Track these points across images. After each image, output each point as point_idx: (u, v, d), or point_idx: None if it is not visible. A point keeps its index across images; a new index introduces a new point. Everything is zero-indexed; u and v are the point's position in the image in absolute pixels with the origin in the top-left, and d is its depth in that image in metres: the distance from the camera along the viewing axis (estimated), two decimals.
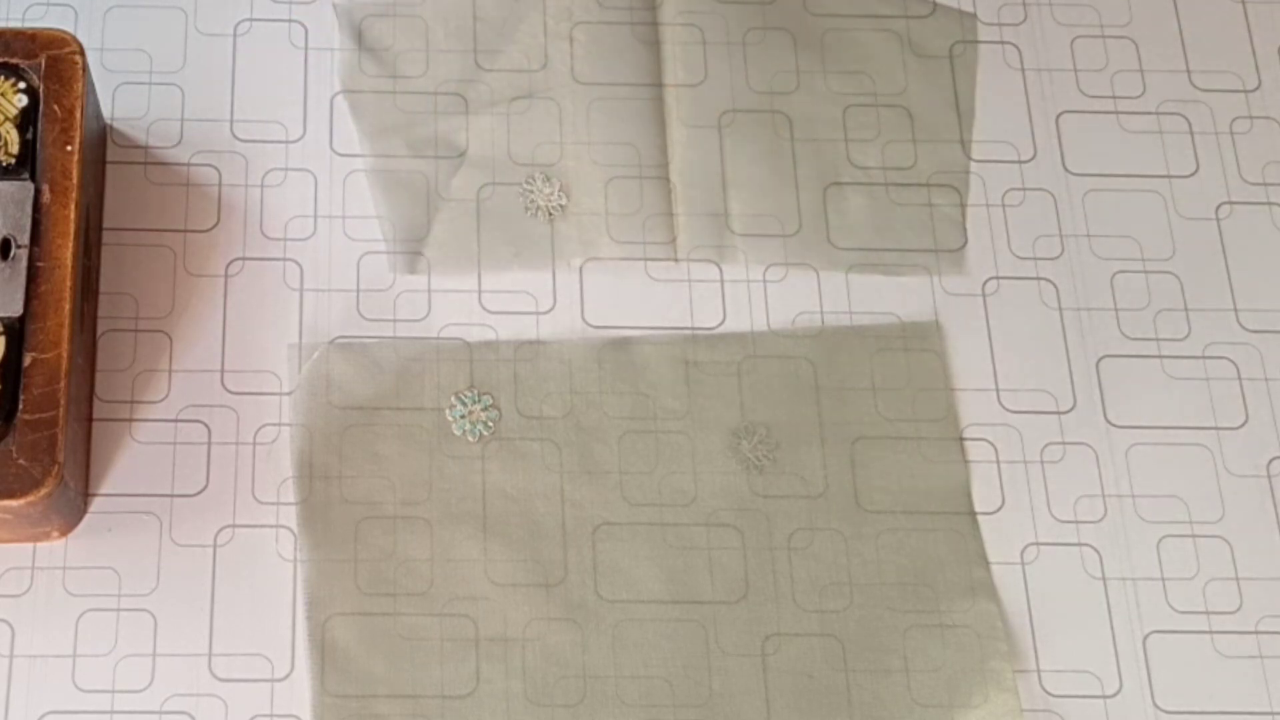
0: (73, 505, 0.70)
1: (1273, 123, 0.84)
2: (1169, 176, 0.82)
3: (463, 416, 0.73)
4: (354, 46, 0.81)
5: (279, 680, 0.70)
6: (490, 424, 0.73)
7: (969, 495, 0.75)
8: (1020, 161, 0.82)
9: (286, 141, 0.79)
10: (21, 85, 0.71)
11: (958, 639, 0.72)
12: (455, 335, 0.76)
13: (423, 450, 0.73)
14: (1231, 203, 0.82)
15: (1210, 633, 0.73)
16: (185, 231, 0.78)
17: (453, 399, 0.73)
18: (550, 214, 0.78)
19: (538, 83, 0.80)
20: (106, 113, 0.79)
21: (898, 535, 0.73)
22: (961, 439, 0.76)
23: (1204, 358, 0.78)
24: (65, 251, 0.68)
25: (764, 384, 0.75)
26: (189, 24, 0.81)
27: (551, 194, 0.78)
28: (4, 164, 0.69)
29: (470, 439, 0.73)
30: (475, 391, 0.74)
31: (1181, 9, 0.86)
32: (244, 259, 0.77)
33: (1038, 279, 0.80)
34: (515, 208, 0.78)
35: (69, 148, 0.70)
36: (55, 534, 0.71)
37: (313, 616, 0.69)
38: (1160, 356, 0.78)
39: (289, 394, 0.75)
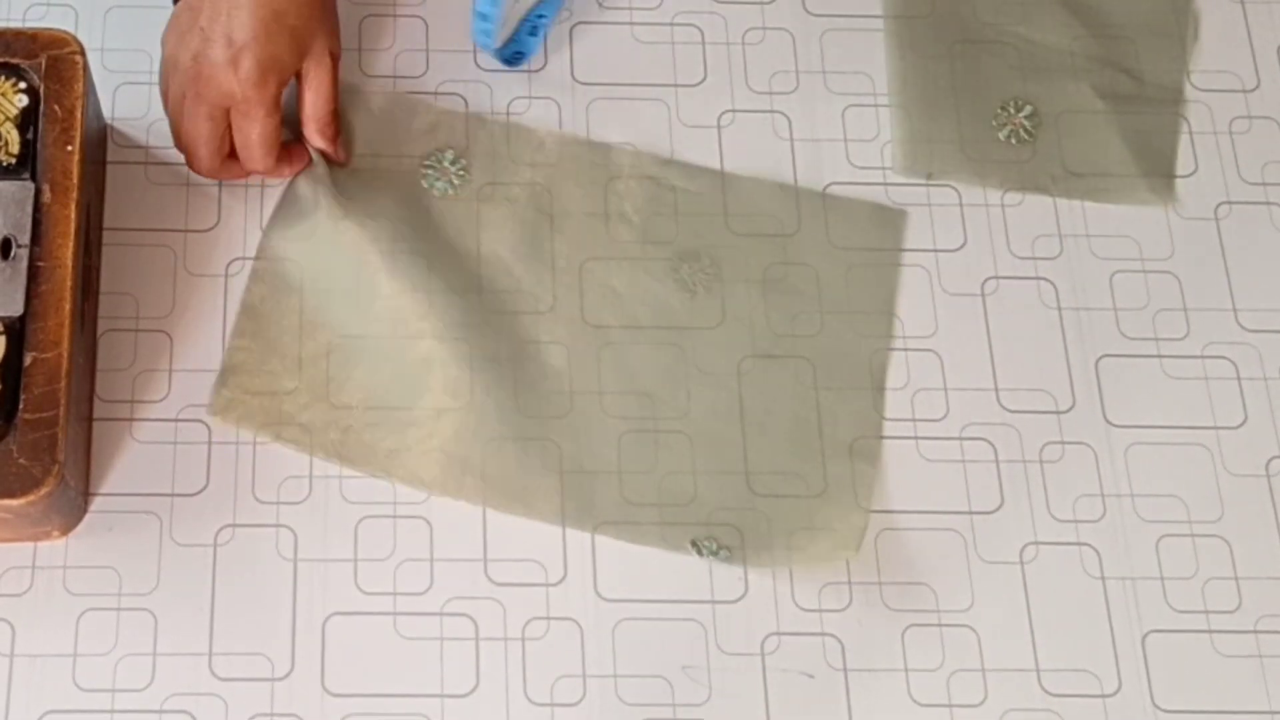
0: (73, 505, 0.70)
1: (1272, 123, 0.84)
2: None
3: (431, 169, 0.78)
4: None
5: (279, 680, 0.70)
6: (456, 182, 0.78)
7: (884, 371, 0.77)
8: (1020, 162, 0.82)
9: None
10: (22, 85, 0.71)
11: (838, 491, 0.74)
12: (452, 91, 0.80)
13: (395, 197, 0.78)
14: (1231, 203, 0.82)
15: (1209, 632, 0.73)
16: (185, 231, 0.78)
17: (431, 154, 0.79)
18: None
19: None
20: (107, 113, 0.79)
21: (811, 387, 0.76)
22: (892, 315, 0.77)
23: (1203, 357, 0.78)
24: (65, 251, 0.68)
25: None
26: None
27: None
28: (4, 164, 0.69)
29: (435, 193, 0.78)
30: (453, 152, 0.79)
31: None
32: (244, 259, 0.77)
33: (1037, 279, 0.80)
34: None
35: (69, 148, 0.70)
36: (55, 533, 0.71)
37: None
38: (1159, 356, 0.78)
39: (289, 393, 0.75)
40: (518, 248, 0.77)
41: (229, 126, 0.74)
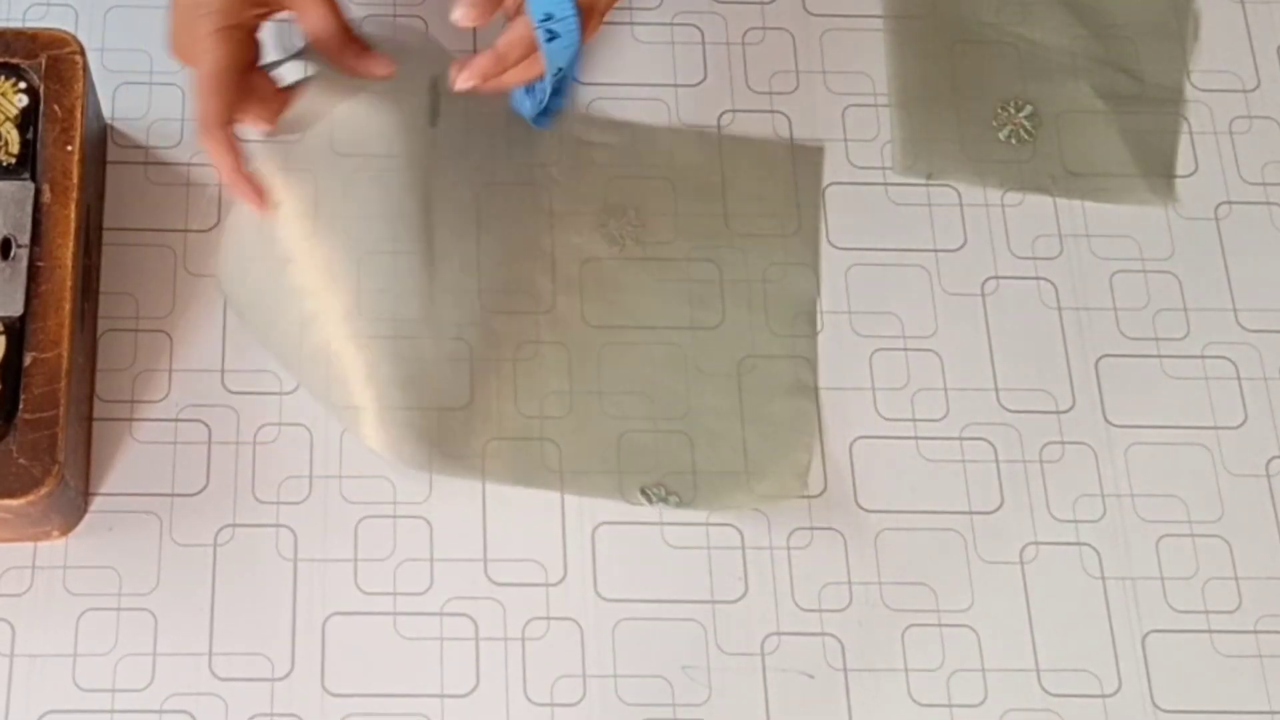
0: (73, 505, 0.70)
1: (1272, 123, 0.84)
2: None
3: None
4: None
5: (279, 680, 0.70)
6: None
7: (818, 314, 0.78)
8: (1020, 161, 0.82)
9: (287, 140, 0.79)
10: (22, 85, 0.71)
11: (775, 432, 0.75)
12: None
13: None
14: (1231, 203, 0.82)
15: (1209, 632, 0.73)
16: (185, 231, 0.78)
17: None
18: None
19: None
20: (106, 113, 0.79)
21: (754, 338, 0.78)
22: (820, 246, 0.78)
23: (1203, 357, 0.78)
24: (65, 251, 0.68)
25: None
26: None
27: None
28: (4, 164, 0.69)
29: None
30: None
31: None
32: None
33: (1037, 279, 0.80)
34: None
35: (69, 148, 0.70)
36: (55, 533, 0.71)
37: None
38: (1159, 356, 0.78)
39: (289, 394, 0.75)
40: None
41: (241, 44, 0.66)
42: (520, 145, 0.80)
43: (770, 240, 0.79)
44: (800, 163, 0.81)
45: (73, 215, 0.69)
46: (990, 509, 0.75)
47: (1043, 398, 0.77)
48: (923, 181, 0.81)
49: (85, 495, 0.72)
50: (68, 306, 0.67)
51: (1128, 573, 0.74)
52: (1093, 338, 0.78)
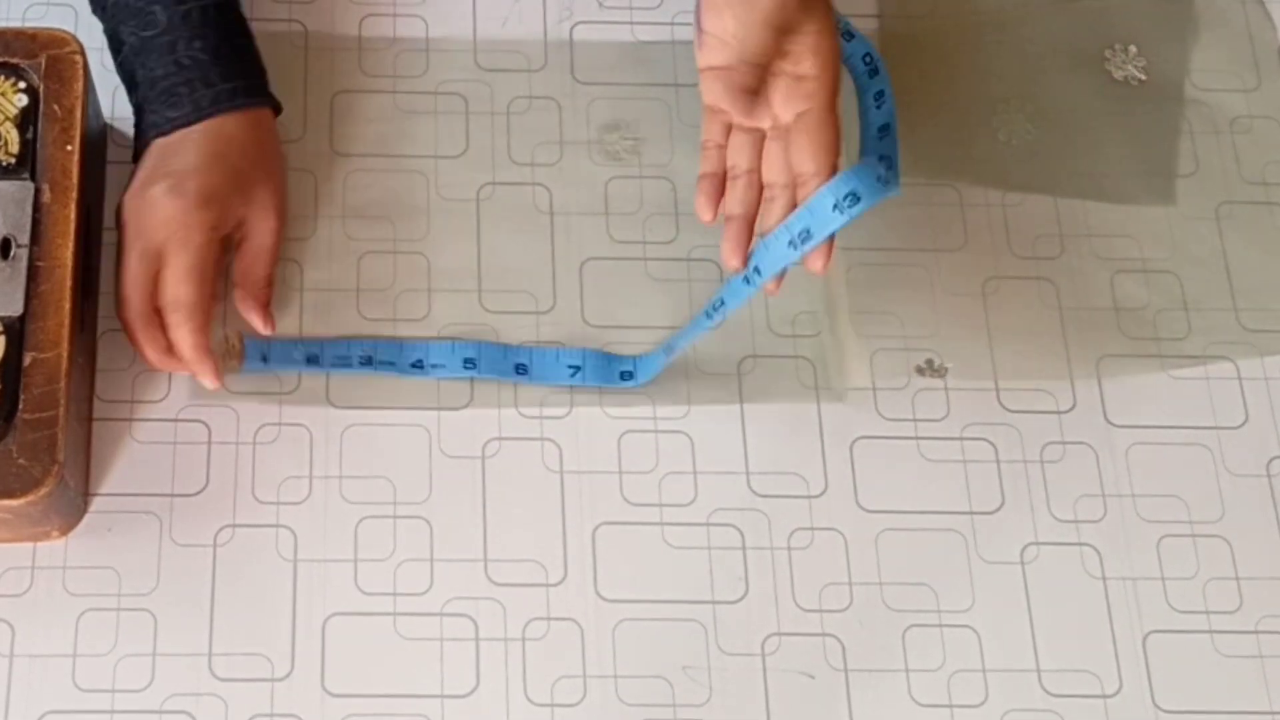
0: (73, 505, 0.70)
1: (1272, 122, 0.84)
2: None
3: None
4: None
5: (279, 680, 0.70)
6: None
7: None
8: (1020, 161, 0.82)
9: (286, 141, 0.79)
10: (22, 85, 0.71)
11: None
12: None
13: None
14: (1231, 203, 0.82)
15: (1210, 632, 0.73)
16: None
17: None
18: None
19: None
20: (106, 113, 0.79)
21: None
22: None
23: (1204, 357, 0.78)
24: (65, 251, 0.68)
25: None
26: None
27: None
28: (4, 164, 0.69)
29: None
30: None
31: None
32: None
33: (1037, 279, 0.80)
34: None
35: (69, 148, 0.70)
36: (55, 534, 0.71)
37: None
38: (1160, 356, 0.78)
39: (289, 394, 0.75)
40: None
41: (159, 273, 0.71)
42: None
43: None
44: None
45: (73, 215, 0.69)
46: (991, 509, 0.75)
47: (1043, 397, 0.77)
48: (923, 181, 0.81)
49: (85, 495, 0.72)
50: (68, 306, 0.67)
51: (1128, 573, 0.74)
52: (1093, 337, 0.78)
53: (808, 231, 0.66)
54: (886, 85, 0.77)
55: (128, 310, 0.71)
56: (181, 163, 0.71)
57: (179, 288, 0.70)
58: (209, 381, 0.71)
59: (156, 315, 0.71)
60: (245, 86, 0.74)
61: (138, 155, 0.74)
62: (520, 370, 0.75)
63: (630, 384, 0.75)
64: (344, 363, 0.74)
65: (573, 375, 0.75)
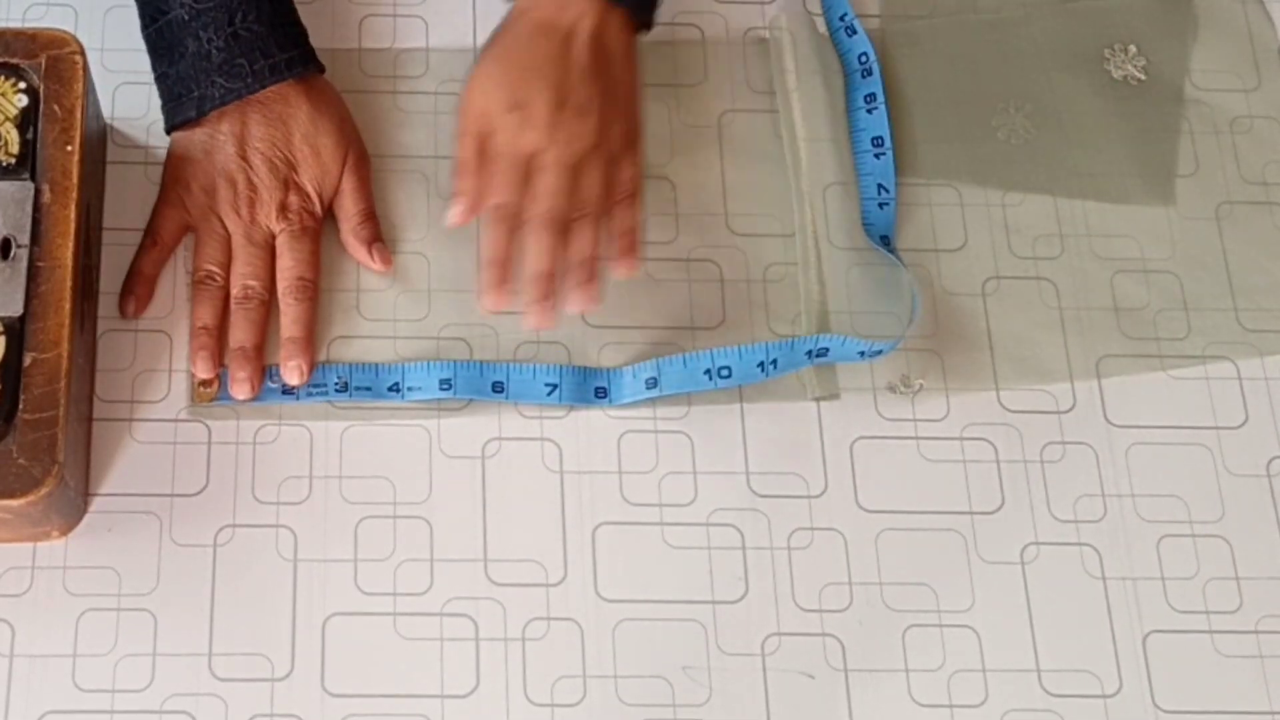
0: (73, 505, 0.70)
1: (1272, 122, 0.84)
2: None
3: None
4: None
5: (279, 680, 0.70)
6: None
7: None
8: (1020, 161, 0.82)
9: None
10: (22, 85, 0.71)
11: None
12: None
13: None
14: (1231, 203, 0.82)
15: (1210, 632, 0.73)
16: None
17: None
18: None
19: None
20: (106, 113, 0.79)
21: None
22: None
23: (1204, 358, 0.78)
24: (65, 251, 0.68)
25: None
26: None
27: None
28: (4, 164, 0.69)
29: None
30: None
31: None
32: None
33: (1038, 279, 0.80)
34: None
35: (69, 148, 0.70)
36: (55, 534, 0.71)
37: None
38: (1160, 356, 0.78)
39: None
40: None
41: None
42: None
43: (770, 240, 0.79)
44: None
45: (73, 215, 0.69)
46: (991, 509, 0.75)
47: (1043, 397, 0.77)
48: (923, 181, 0.81)
49: (85, 495, 0.72)
50: (68, 306, 0.67)
51: (1128, 573, 0.74)
52: (1093, 337, 0.78)
53: (826, 351, 0.74)
54: (879, 89, 0.77)
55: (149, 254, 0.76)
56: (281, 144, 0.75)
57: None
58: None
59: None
60: (300, 55, 0.76)
61: (176, 127, 0.76)
62: (497, 389, 0.75)
63: (604, 402, 0.75)
64: (320, 391, 0.74)
65: (550, 393, 0.75)
